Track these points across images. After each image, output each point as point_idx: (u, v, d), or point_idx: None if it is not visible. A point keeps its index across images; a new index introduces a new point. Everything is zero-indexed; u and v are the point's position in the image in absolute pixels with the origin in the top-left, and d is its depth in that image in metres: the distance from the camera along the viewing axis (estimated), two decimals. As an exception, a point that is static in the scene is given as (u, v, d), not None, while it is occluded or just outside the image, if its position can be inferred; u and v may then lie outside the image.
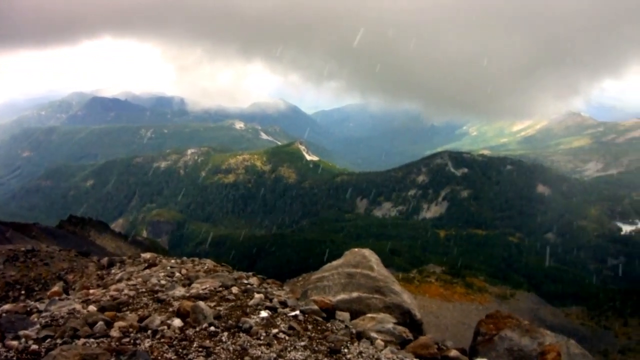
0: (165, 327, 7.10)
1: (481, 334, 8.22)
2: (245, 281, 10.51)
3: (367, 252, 9.92)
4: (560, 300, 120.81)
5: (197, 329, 7.12)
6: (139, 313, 7.91)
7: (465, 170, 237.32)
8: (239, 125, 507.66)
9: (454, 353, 7.25)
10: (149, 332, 6.96)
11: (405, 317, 8.73)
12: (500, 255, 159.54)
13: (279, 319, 7.82)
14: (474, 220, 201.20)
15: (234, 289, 9.32)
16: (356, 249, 10.07)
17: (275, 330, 7.25)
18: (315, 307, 8.17)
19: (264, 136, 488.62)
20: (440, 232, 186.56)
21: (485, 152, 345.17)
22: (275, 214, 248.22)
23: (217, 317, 7.70)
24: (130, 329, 6.99)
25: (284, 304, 8.53)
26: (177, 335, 6.90)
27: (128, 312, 8.04)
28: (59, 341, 6.38)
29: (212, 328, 7.16)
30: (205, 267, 12.56)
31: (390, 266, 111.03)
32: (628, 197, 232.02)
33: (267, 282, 11.16)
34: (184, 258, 14.29)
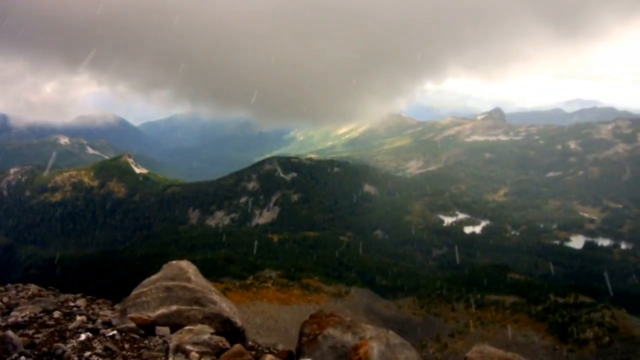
0: (-30, 363, 6.59)
1: (305, 335, 8.32)
2: (72, 304, 9.98)
3: (184, 263, 9.79)
4: (393, 292, 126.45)
5: (7, 361, 6.65)
6: (-55, 352, 7.27)
7: (295, 174, 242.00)
8: (64, 140, 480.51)
9: (269, 358, 7.30)
10: (-49, 370, 6.45)
11: (226, 326, 8.69)
12: (333, 255, 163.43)
13: (96, 340, 7.45)
14: (306, 222, 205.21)
15: (56, 314, 8.76)
16: (174, 262, 9.92)
17: (88, 353, 6.91)
18: (133, 324, 7.91)
19: (90, 151, 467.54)
20: (273, 237, 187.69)
21: (313, 156, 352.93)
22: (107, 231, 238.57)
23: (31, 345, 7.15)
24: None
25: (108, 325, 8.18)
26: (-18, 370, 6.45)
27: None
28: None
29: (22, 358, 6.68)
30: (30, 293, 11.78)
31: (227, 275, 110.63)
32: (447, 191, 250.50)
33: (96, 303, 10.74)
34: (8, 285, 13.35)
